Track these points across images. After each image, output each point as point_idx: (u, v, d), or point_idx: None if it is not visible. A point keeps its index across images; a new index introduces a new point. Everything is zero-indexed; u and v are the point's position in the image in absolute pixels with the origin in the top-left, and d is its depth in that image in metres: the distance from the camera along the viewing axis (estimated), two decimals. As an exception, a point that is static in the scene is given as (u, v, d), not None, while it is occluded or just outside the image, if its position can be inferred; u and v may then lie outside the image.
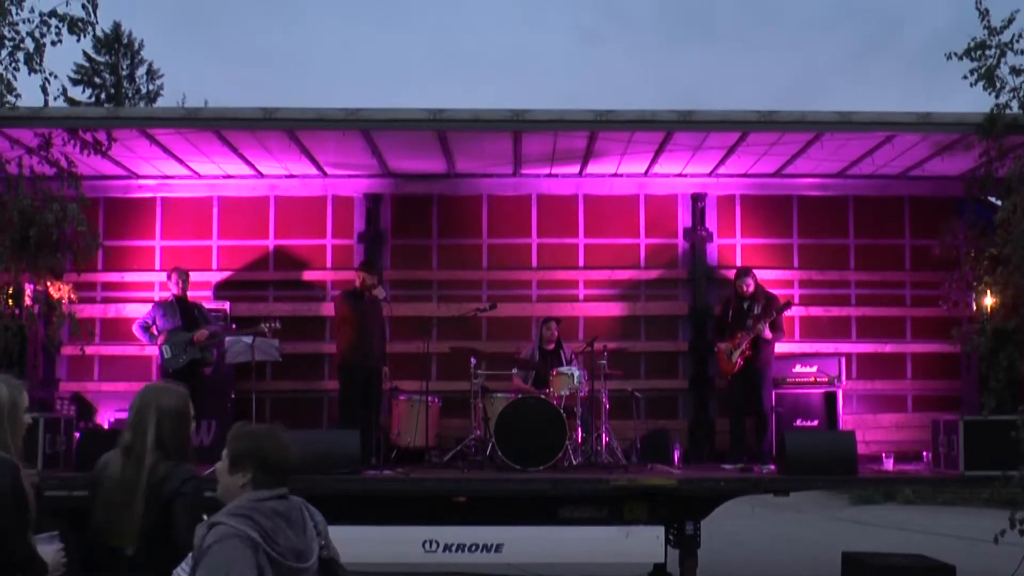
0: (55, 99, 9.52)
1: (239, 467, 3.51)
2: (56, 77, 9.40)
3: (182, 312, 10.27)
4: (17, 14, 9.09)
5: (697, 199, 11.62)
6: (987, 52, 8.91)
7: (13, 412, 4.22)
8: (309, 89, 64.47)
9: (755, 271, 10.75)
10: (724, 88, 67.88)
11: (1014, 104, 8.97)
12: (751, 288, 10.52)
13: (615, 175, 11.59)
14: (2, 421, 4.16)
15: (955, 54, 8.92)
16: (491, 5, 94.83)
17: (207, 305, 10.92)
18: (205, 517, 3.49)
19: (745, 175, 11.51)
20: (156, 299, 10.92)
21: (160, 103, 33.69)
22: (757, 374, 10.41)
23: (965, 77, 8.93)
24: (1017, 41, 8.88)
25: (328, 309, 11.43)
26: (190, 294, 10.54)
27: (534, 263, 11.78)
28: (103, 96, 33.85)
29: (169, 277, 10.43)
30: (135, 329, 10.33)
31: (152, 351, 10.79)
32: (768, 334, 10.30)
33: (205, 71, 71.40)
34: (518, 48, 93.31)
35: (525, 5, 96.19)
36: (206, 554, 3.29)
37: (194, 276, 10.80)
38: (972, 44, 8.91)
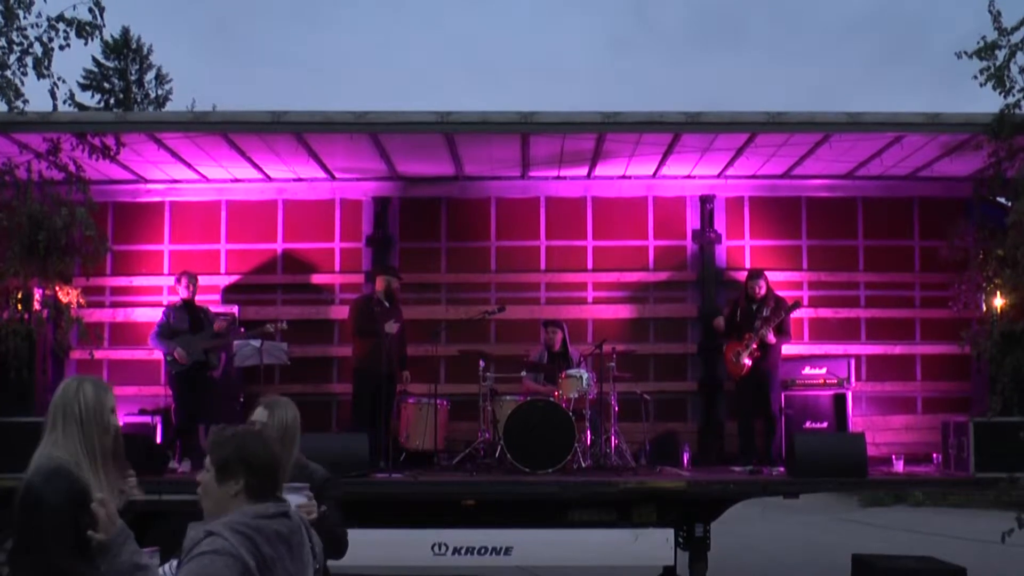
0: (63, 104, 9.57)
1: (228, 474, 3.19)
2: (64, 82, 9.46)
3: (190, 315, 10.28)
4: (25, 18, 9.14)
5: (706, 201, 11.60)
6: (998, 52, 8.87)
7: (99, 414, 3.83)
8: (331, 95, 64.74)
9: (765, 273, 10.71)
10: (752, 95, 67.64)
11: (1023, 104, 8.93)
12: (763, 291, 10.49)
13: (623, 177, 11.56)
14: (81, 424, 3.79)
15: (965, 52, 8.88)
16: (518, 13, 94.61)
17: (216, 309, 10.95)
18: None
19: (754, 176, 11.47)
20: (165, 303, 10.90)
21: (169, 108, 33.68)
22: (765, 376, 10.39)
23: (975, 77, 8.90)
24: None
25: (336, 312, 11.43)
26: (198, 298, 10.54)
27: (543, 266, 11.75)
28: (112, 101, 33.84)
29: (179, 280, 10.43)
30: (154, 340, 10.25)
31: (161, 355, 10.79)
32: (772, 338, 10.28)
33: (218, 77, 71.62)
34: (546, 56, 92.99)
35: (553, 13, 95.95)
36: (193, 559, 3.03)
37: (203, 280, 10.79)
38: (983, 45, 8.87)
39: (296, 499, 4.26)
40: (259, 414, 4.56)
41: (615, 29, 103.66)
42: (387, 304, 10.41)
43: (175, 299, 10.57)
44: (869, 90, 73.03)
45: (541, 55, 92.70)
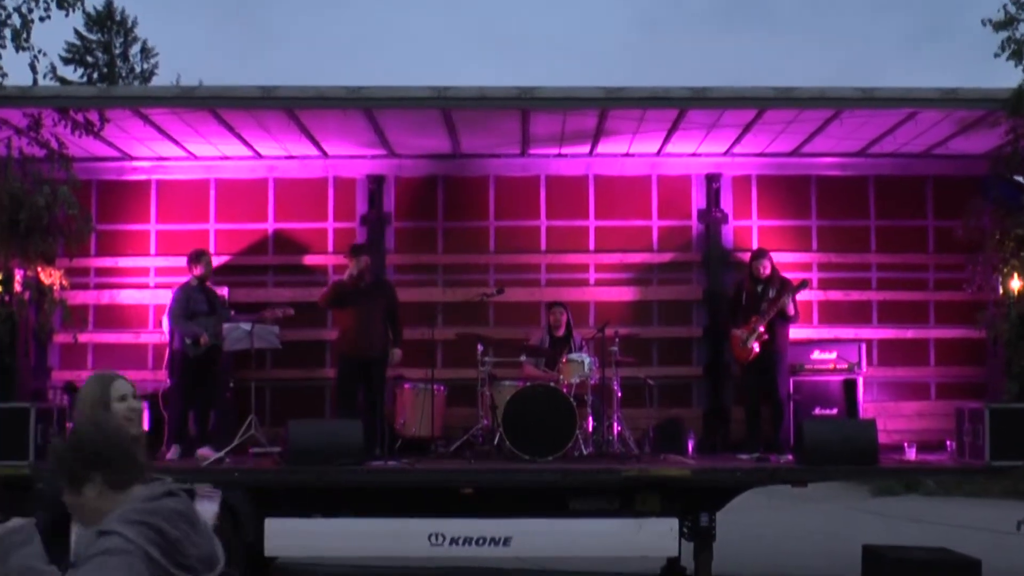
0: (44, 78, 9.47)
1: (81, 479, 2.90)
2: (45, 55, 9.33)
3: (207, 296, 9.95)
4: (3, -12, 8.94)
5: (712, 179, 11.34)
6: (1019, 25, 8.71)
7: None
8: (334, 77, 64.52)
9: (772, 254, 10.50)
10: (780, 75, 67.55)
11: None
12: (767, 270, 10.28)
13: (627, 155, 11.32)
14: None
15: (990, 21, 8.70)
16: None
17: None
18: None
19: (762, 154, 11.24)
20: (176, 285, 10.28)
21: (155, 83, 33.31)
22: (773, 360, 10.18)
23: (1000, 51, 8.75)
24: None
25: (330, 295, 11.19)
26: (184, 279, 10.16)
27: (543, 246, 11.51)
28: (96, 76, 33.44)
29: (196, 260, 9.97)
30: (175, 322, 9.76)
31: (148, 338, 10.59)
32: (791, 310, 10.10)
33: (216, 55, 71.51)
34: (571, 35, 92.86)
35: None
36: (85, 563, 2.69)
37: (191, 261, 10.49)
38: (1004, 18, 8.71)
39: (211, 507, 3.88)
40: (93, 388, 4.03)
41: (641, 9, 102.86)
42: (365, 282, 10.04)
43: (185, 279, 10.09)
44: (900, 69, 73.00)
45: (564, 36, 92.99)
